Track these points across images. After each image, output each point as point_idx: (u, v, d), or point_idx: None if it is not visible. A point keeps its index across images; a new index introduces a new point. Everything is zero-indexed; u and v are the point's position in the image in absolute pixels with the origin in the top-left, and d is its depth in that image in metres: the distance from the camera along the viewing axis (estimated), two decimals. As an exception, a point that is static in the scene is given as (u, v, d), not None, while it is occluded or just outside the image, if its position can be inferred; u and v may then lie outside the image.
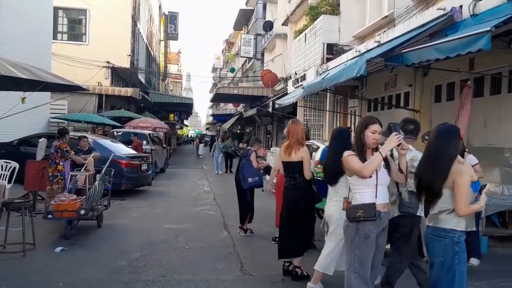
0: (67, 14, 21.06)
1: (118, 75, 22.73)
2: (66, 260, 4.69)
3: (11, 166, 7.49)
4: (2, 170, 7.45)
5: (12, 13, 12.32)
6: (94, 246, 5.25)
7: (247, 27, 34.15)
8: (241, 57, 27.94)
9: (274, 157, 10.85)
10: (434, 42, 5.37)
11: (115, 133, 14.00)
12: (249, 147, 6.66)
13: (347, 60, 10.50)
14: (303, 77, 13.63)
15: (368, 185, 2.86)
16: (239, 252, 5.21)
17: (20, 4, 12.81)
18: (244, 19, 34.91)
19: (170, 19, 42.70)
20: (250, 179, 6.01)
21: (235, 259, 4.93)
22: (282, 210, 4.60)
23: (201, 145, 30.68)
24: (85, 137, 7.74)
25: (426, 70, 8.73)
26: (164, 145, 17.88)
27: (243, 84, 29.08)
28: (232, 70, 38.70)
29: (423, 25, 7.09)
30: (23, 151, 9.82)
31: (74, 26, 21.25)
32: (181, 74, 60.70)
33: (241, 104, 34.73)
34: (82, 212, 5.32)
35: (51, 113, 16.46)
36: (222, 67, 51.63)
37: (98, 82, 20.22)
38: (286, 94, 15.87)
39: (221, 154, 16.88)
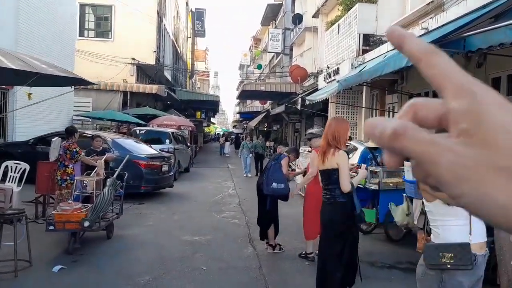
0: (93, 10, 20.85)
1: (143, 72, 22.36)
2: (63, 283, 4.00)
3: (21, 168, 6.94)
4: (11, 172, 6.92)
5: (35, 10, 11.98)
6: (98, 265, 4.54)
7: (275, 22, 33.20)
8: (268, 52, 27.05)
9: (304, 158, 9.92)
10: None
11: (138, 132, 13.44)
12: (283, 152, 5.84)
13: (387, 51, 9.45)
14: (336, 71, 12.60)
15: (458, 216, 1.93)
16: (267, 276, 4.37)
17: (43, 1, 12.48)
18: (271, 14, 34.00)
19: (197, 16, 42.34)
20: (274, 184, 5.16)
21: (261, 286, 4.09)
22: (320, 230, 3.73)
23: (227, 144, 30.08)
24: (98, 136, 7.10)
25: (480, 61, 7.57)
26: (189, 144, 17.25)
27: (270, 80, 28.18)
28: (259, 67, 37.84)
29: (484, 6, 5.98)
30: (39, 150, 9.34)
31: (100, 23, 21.01)
32: (208, 72, 60.44)
33: (268, 101, 33.85)
34: (86, 224, 4.62)
35: (74, 110, 16.17)
36: (249, 64, 50.88)
37: (124, 79, 19.89)
38: (317, 89, 14.86)
39: (250, 155, 15.42)
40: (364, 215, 3.78)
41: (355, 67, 11.66)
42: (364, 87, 11.74)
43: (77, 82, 5.38)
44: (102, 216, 5.20)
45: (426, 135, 0.30)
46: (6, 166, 6.96)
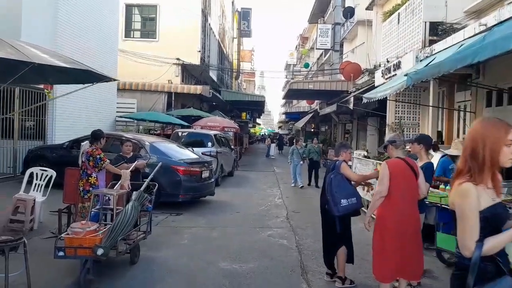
0: (139, 11, 20.70)
1: (189, 73, 21.92)
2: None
3: (47, 175, 6.30)
4: (36, 179, 6.29)
5: (78, 10, 11.65)
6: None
7: (323, 19, 31.67)
8: (317, 49, 25.65)
9: (363, 165, 8.59)
10: None
11: (180, 134, 12.74)
12: (334, 157, 4.66)
13: (464, 39, 7.93)
14: (397, 65, 11.10)
15: None
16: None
17: (86, 2, 12.16)
18: (319, 10, 32.53)
19: (243, 16, 41.74)
20: (344, 202, 4.01)
21: None
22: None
23: (273, 145, 29.04)
24: (128, 140, 6.28)
25: None
26: (233, 147, 16.37)
27: (318, 79, 26.79)
28: (306, 65, 36.42)
29: None
30: (74, 154, 8.80)
31: (146, 23, 20.83)
32: (254, 72, 59.81)
33: (316, 101, 32.38)
34: (100, 252, 3.72)
35: (118, 111, 15.90)
36: (295, 63, 49.55)
37: (169, 80, 19.51)
38: (373, 86, 13.38)
39: (302, 162, 12.73)
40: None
41: (421, 60, 10.13)
42: (432, 82, 10.15)
43: (97, 78, 4.53)
44: (125, 237, 4.32)
45: None
46: (31, 173, 6.35)
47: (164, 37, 20.01)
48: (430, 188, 4.72)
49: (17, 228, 5.65)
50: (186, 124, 15.99)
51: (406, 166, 3.74)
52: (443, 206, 4.82)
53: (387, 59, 11.86)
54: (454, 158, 5.71)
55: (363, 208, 4.89)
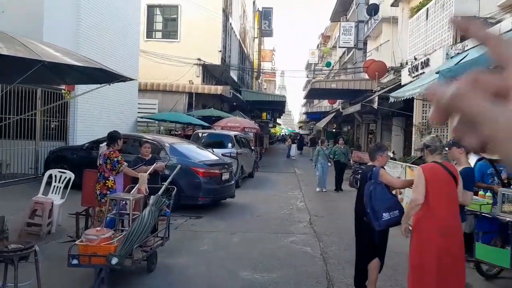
0: (161, 11, 20.74)
1: (209, 73, 21.83)
2: None
3: (65, 177, 6.20)
4: (55, 181, 6.20)
5: (100, 12, 11.67)
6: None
7: (346, 17, 31.04)
8: (339, 47, 25.12)
9: (391, 168, 8.17)
10: None
11: (200, 134, 12.59)
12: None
13: (501, 34, 7.41)
14: (426, 63, 10.61)
15: None
16: None
17: (107, 2, 12.16)
18: (342, 9, 31.90)
19: (264, 15, 41.45)
20: (386, 215, 3.65)
21: None
22: None
23: (294, 146, 28.63)
24: (147, 142, 6.11)
25: None
26: (253, 147, 16.12)
27: (340, 78, 26.25)
28: (328, 64, 35.85)
29: None
30: (94, 155, 8.73)
31: (167, 24, 20.85)
32: (275, 72, 59.44)
33: (338, 101, 31.77)
34: (114, 261, 3.52)
35: (139, 112, 15.91)
36: (317, 62, 48.93)
37: (189, 81, 19.45)
38: (399, 85, 12.88)
39: (329, 164, 11.79)
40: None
41: (451, 57, 9.63)
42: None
43: (114, 78, 4.36)
44: (141, 244, 4.12)
45: (485, 98, 0.35)
46: (50, 176, 6.27)
47: (185, 37, 19.97)
48: (468, 195, 4.33)
49: (34, 232, 5.57)
50: (206, 124, 15.86)
51: (445, 172, 3.38)
52: (483, 214, 4.42)
53: (414, 56, 11.36)
54: (492, 161, 5.29)
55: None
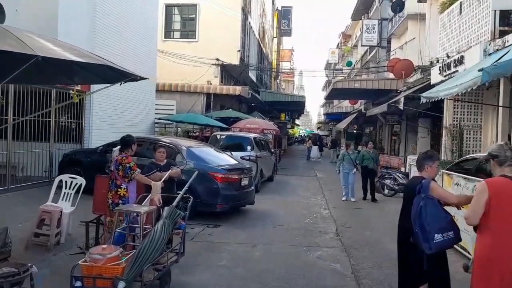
0: (179, 11, 20.47)
1: (228, 73, 21.45)
2: None
3: (76, 183, 5.83)
4: (65, 188, 5.84)
5: (117, 11, 11.41)
6: None
7: (368, 15, 30.20)
8: (362, 46, 24.36)
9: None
10: None
11: (218, 137, 12.15)
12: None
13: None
14: (459, 60, 9.88)
15: None
16: None
17: (126, 2, 11.90)
18: (363, 6, 31.04)
19: (284, 14, 40.89)
20: (439, 237, 3.04)
21: None
22: None
23: (315, 148, 27.90)
24: (161, 146, 5.67)
25: None
26: (273, 150, 15.60)
27: (362, 77, 25.46)
28: (349, 64, 34.99)
29: None
30: (109, 159, 8.39)
31: (186, 23, 20.57)
32: (294, 72, 58.76)
33: (359, 101, 30.92)
34: (121, 286, 3.08)
35: (157, 113, 15.62)
36: (337, 62, 48.00)
37: (208, 81, 19.10)
38: (429, 85, 12.14)
39: (354, 170, 10.59)
40: None
41: (489, 54, 8.89)
42: (502, 79, 8.89)
43: (125, 76, 3.94)
44: (154, 262, 3.67)
45: None
46: (60, 181, 5.91)
47: (203, 37, 19.63)
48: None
49: (42, 242, 5.21)
50: (224, 126, 15.44)
51: None
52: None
53: (447, 54, 10.62)
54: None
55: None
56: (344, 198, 10.45)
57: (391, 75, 18.64)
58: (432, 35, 15.27)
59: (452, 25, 11.26)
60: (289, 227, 7.16)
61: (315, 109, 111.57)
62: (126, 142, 4.93)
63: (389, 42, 22.12)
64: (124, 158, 4.76)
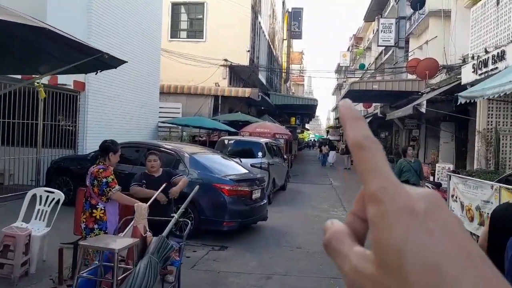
0: (186, 9, 19.55)
1: (237, 74, 20.44)
2: None
3: (53, 198, 4.79)
4: (40, 204, 4.80)
5: (120, 10, 10.49)
6: None
7: (381, 16, 29.07)
8: (378, 46, 23.18)
9: (470, 188, 6.32)
10: None
11: (226, 142, 11.09)
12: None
13: None
14: (500, 56, 8.70)
15: None
16: None
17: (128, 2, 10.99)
18: (377, 7, 29.91)
19: (294, 16, 39.96)
20: None
21: None
22: None
23: (333, 152, 26.74)
24: (152, 153, 4.59)
25: None
26: (285, 156, 14.49)
27: (376, 79, 24.27)
28: (362, 66, 33.79)
29: None
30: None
31: (193, 22, 19.64)
32: (303, 76, 57.64)
33: (374, 105, 29.68)
34: None
35: (161, 117, 14.64)
36: (348, 65, 46.78)
37: (216, 83, 18.10)
38: (459, 85, 10.96)
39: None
40: None
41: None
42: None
43: (104, 64, 2.89)
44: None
45: (345, 248, 0.30)
46: (34, 195, 4.88)
47: (211, 36, 18.68)
48: None
49: (4, 275, 4.16)
50: (233, 130, 14.39)
51: None
52: None
53: (485, 49, 9.42)
54: None
55: None
56: None
57: (410, 77, 17.47)
58: (458, 32, 14.09)
59: (487, 18, 10.08)
60: (310, 250, 6.03)
61: (324, 113, 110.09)
62: (105, 149, 3.88)
63: (407, 42, 20.93)
64: (101, 170, 3.70)
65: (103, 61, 3.05)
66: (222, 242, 6.13)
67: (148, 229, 3.54)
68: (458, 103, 8.37)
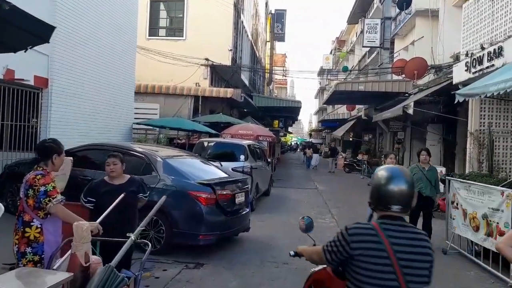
0: (165, 6, 18.66)
1: (218, 75, 19.64)
2: None
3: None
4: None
5: (94, 8, 9.61)
6: None
7: (364, 19, 28.83)
8: (363, 46, 22.78)
9: (474, 194, 5.69)
10: None
11: (205, 144, 10.29)
12: None
13: None
14: (496, 52, 8.20)
15: None
16: None
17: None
18: (360, 9, 29.70)
19: (277, 17, 39.44)
20: None
21: None
22: None
23: (316, 156, 26.30)
24: (112, 156, 3.75)
25: None
26: (269, 159, 13.77)
27: (360, 80, 23.89)
28: (345, 69, 33.47)
29: None
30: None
31: (172, 20, 18.78)
32: (286, 77, 57.22)
33: (357, 108, 29.36)
34: None
35: (136, 118, 13.72)
36: (331, 68, 46.56)
37: (196, 83, 17.27)
38: (451, 85, 10.48)
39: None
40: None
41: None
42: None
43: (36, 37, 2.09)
44: None
45: None
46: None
47: (192, 35, 17.86)
48: None
49: None
50: (214, 132, 13.61)
51: None
52: None
53: (481, 45, 8.93)
54: None
55: None
56: None
57: (396, 78, 17.05)
58: (446, 31, 13.71)
59: (481, 13, 9.62)
60: (298, 266, 5.27)
61: (306, 117, 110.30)
62: (46, 150, 3.07)
63: (392, 43, 20.58)
64: (38, 177, 2.89)
65: (28, 31, 2.25)
66: (198, 258, 5.33)
67: (97, 253, 2.74)
68: (456, 102, 7.80)
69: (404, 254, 1.74)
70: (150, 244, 2.86)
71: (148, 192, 3.95)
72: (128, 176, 3.81)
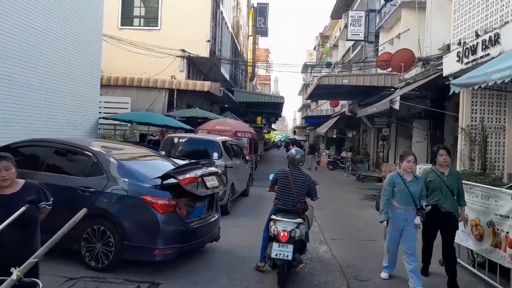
0: (139, -7, 17.52)
1: (196, 68, 18.62)
2: None
3: None
4: None
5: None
6: None
7: (349, 11, 28.21)
8: (347, 40, 22.05)
9: (477, 198, 4.92)
10: None
11: (175, 141, 9.32)
12: None
13: None
14: (492, 40, 7.50)
15: None
16: None
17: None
18: (344, 4, 29.06)
19: (260, 11, 38.59)
20: None
21: None
22: None
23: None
24: (4, 158, 2.74)
25: None
26: (248, 157, 12.86)
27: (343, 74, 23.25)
28: (329, 64, 32.85)
29: None
30: None
31: (146, 9, 17.65)
32: (270, 75, 56.42)
33: (341, 104, 28.77)
34: None
35: (106, 112, 12.63)
36: (315, 63, 45.97)
37: (172, 76, 16.22)
38: (441, 77, 9.79)
39: (419, 221, 4.61)
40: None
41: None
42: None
43: None
44: None
45: None
46: None
47: (167, 24, 16.81)
48: None
49: None
50: (188, 127, 12.65)
51: None
52: None
53: (476, 32, 8.21)
54: None
55: None
56: (384, 275, 4.89)
57: (380, 72, 16.42)
58: (434, 22, 13.06)
59: (473, 1, 8.92)
60: (272, 285, 4.41)
61: (290, 114, 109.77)
62: None
63: (376, 36, 19.94)
64: None
65: None
66: (153, 277, 4.41)
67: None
68: (451, 93, 7.05)
69: (295, 181, 4.75)
70: (41, 285, 1.92)
71: (52, 199, 2.91)
72: (23, 181, 2.82)
